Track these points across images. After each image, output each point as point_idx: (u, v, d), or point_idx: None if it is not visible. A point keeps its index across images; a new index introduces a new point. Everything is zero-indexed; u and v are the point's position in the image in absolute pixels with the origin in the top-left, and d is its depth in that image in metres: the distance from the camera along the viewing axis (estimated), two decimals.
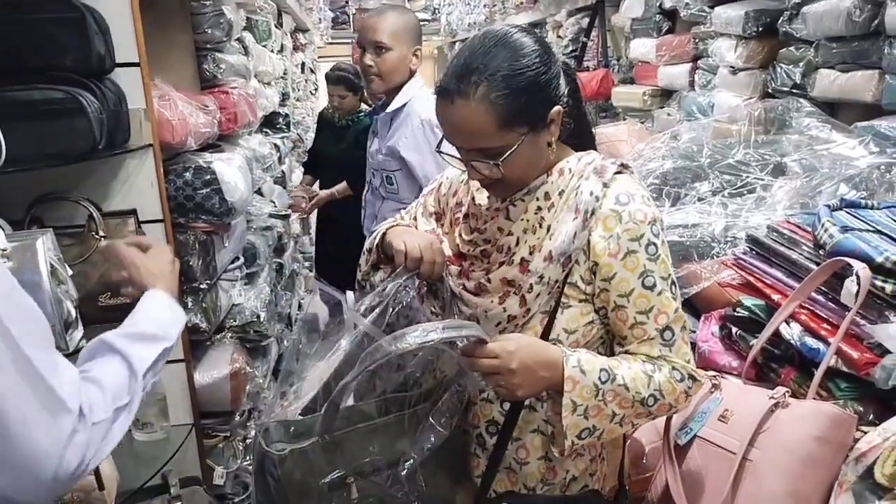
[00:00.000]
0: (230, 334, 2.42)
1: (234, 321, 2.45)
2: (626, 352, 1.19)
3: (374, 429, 1.18)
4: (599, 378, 1.12)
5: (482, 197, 1.30)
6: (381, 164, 2.41)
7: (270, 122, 3.81)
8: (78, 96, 1.61)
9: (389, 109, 2.38)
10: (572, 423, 1.12)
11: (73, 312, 1.60)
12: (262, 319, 2.53)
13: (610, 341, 1.24)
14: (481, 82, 1.10)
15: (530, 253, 1.20)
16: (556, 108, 1.16)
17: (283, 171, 3.81)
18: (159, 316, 1.20)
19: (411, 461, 1.15)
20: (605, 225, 1.15)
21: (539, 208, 1.21)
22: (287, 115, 4.16)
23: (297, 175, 4.47)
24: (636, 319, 1.16)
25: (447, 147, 1.21)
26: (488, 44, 1.13)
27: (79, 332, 1.65)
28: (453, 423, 1.19)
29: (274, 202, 3.38)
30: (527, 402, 1.22)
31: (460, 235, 1.32)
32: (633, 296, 1.15)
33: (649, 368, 1.16)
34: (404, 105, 2.36)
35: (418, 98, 2.35)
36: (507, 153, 1.13)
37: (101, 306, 1.74)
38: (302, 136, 4.94)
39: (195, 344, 2.20)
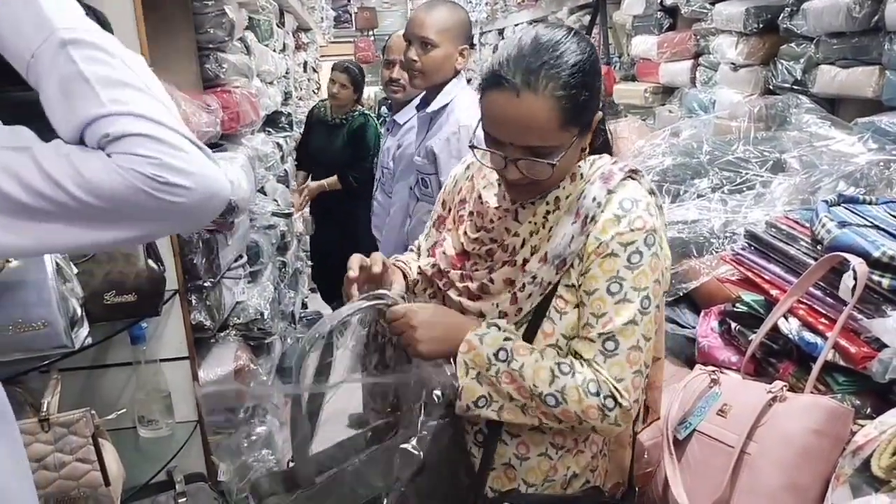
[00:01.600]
0: (234, 332, 2.44)
1: (238, 319, 2.46)
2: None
3: (356, 469, 1.16)
4: (496, 355, 1.13)
5: (490, 195, 1.29)
6: (419, 166, 2.33)
7: (273, 122, 3.83)
8: None
9: (430, 109, 2.30)
10: (467, 386, 1.14)
11: (79, 310, 1.62)
12: (265, 317, 2.55)
13: None
14: (551, 78, 1.08)
15: (531, 254, 1.20)
16: (598, 113, 1.17)
17: (285, 170, 3.83)
18: None
19: (394, 492, 1.13)
20: (603, 228, 1.14)
21: (547, 212, 1.21)
22: (289, 115, 4.17)
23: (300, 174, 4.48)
24: (588, 320, 1.14)
25: (480, 141, 1.19)
26: (553, 40, 1.10)
27: (84, 330, 1.67)
28: (428, 440, 1.15)
29: (277, 201, 3.40)
30: None
31: (465, 233, 1.31)
32: (594, 296, 1.14)
33: (561, 369, 1.12)
34: (445, 105, 2.27)
35: (460, 99, 2.26)
36: (560, 154, 1.12)
37: (107, 304, 1.75)
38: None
39: (199, 342, 2.22)
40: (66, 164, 0.71)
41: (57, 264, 1.55)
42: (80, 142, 0.74)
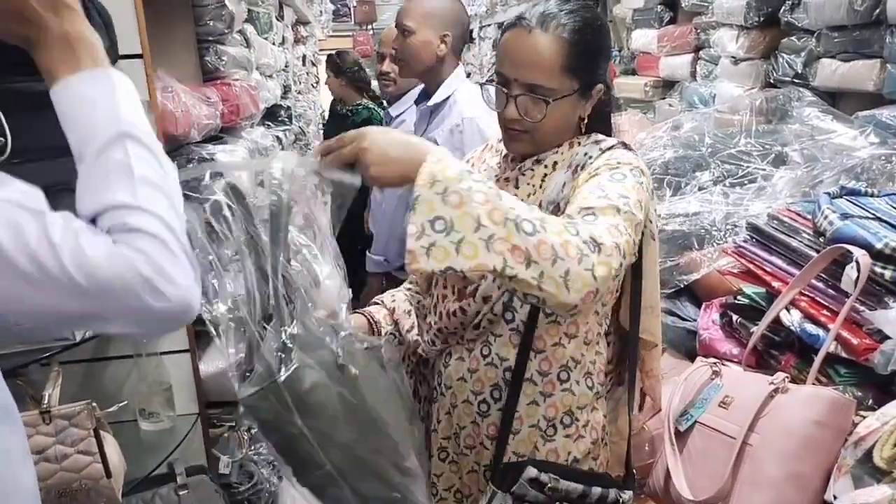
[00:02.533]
0: (234, 325, 2.43)
1: (239, 312, 2.45)
2: None
3: None
4: (469, 171, 0.98)
5: (494, 161, 1.35)
6: None
7: (272, 115, 3.82)
8: None
9: (430, 103, 2.26)
10: (426, 199, 0.94)
11: None
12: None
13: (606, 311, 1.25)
14: (562, 23, 1.19)
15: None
16: (600, 85, 1.23)
17: None
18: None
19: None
20: (588, 172, 1.17)
21: (545, 175, 1.26)
22: (289, 108, 4.16)
23: None
24: (571, 210, 1.09)
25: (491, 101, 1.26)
26: (573, 1, 1.23)
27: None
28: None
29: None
30: (527, 375, 1.23)
31: None
32: (579, 196, 1.11)
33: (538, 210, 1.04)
34: (447, 98, 2.23)
35: (461, 92, 2.22)
36: (558, 97, 1.18)
37: None
38: (304, 129, 4.95)
39: (199, 334, 2.22)
40: (72, 237, 0.73)
41: None
42: (92, 221, 0.78)
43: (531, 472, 1.17)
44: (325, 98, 5.73)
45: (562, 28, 1.19)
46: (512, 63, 1.21)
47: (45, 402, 1.49)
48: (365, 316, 1.43)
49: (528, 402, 1.25)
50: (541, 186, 1.25)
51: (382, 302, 1.48)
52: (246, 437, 2.40)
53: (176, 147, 2.13)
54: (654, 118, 3.24)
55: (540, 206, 1.20)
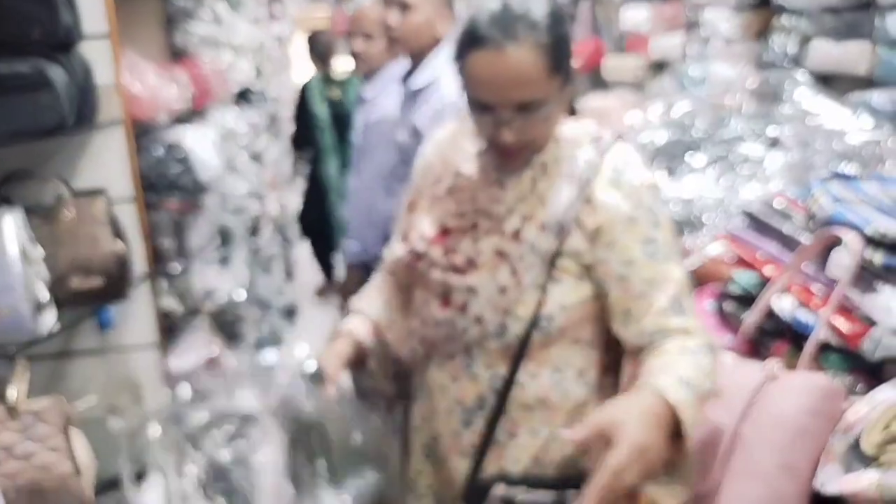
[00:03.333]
0: (205, 318, 2.45)
1: (210, 304, 2.47)
2: (635, 325, 1.20)
3: None
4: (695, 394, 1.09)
5: (470, 168, 1.31)
6: (403, 144, 2.27)
7: (245, 97, 3.82)
8: (45, 70, 1.63)
9: (414, 88, 2.26)
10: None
11: (45, 295, 1.63)
12: (238, 303, 2.56)
13: (603, 319, 1.25)
14: (529, 28, 1.13)
15: (523, 222, 1.23)
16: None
17: (258, 149, 3.82)
18: None
19: None
20: (602, 192, 1.19)
21: (534, 178, 1.24)
22: (262, 90, 4.16)
23: (273, 152, 4.48)
24: (642, 290, 1.18)
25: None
26: None
27: (50, 316, 1.68)
28: None
29: (249, 181, 3.39)
30: (518, 379, 1.24)
31: (445, 211, 1.31)
32: (637, 264, 1.18)
33: (695, 357, 1.14)
34: (431, 83, 2.22)
35: (446, 75, 2.16)
36: (550, 107, 1.16)
37: (73, 288, 1.76)
38: (278, 111, 4.94)
39: (169, 328, 2.23)
40: None
41: (21, 246, 1.56)
42: None
43: (499, 489, 1.21)
44: (298, 78, 5.70)
45: (534, 33, 1.13)
46: (491, 88, 1.15)
47: (12, 397, 1.50)
48: (350, 345, 1.36)
49: (519, 408, 1.25)
50: (532, 192, 1.24)
51: (364, 312, 1.42)
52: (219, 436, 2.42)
53: (143, 130, 2.14)
54: (644, 99, 3.28)
55: (543, 225, 1.20)
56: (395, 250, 1.38)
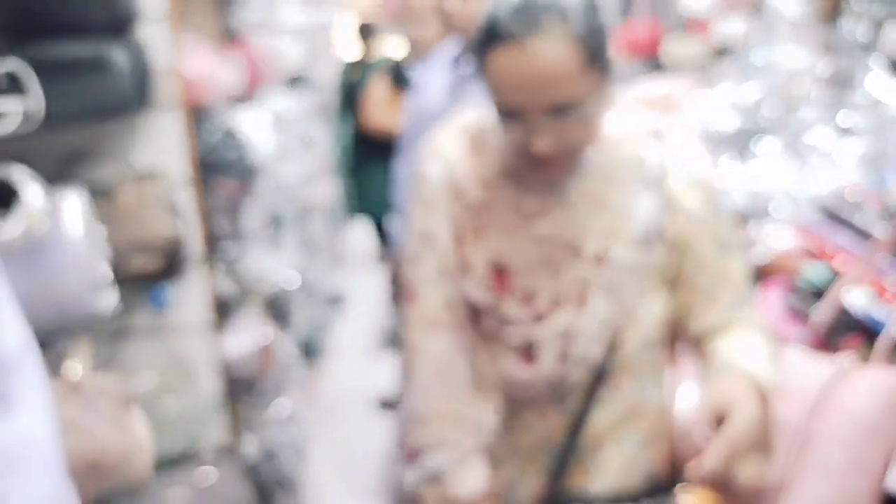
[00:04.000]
0: (258, 303, 2.50)
1: (263, 289, 2.52)
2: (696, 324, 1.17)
3: None
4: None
5: (511, 187, 1.17)
6: None
7: (295, 80, 3.86)
8: (105, 53, 1.68)
9: (468, 72, 2.21)
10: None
11: (107, 273, 1.68)
12: (289, 288, 2.61)
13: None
14: (557, 18, 0.99)
15: (605, 242, 1.13)
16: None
17: (308, 134, 3.86)
18: None
19: None
20: (680, 195, 1.14)
21: (595, 186, 1.14)
22: (312, 75, 4.21)
23: (322, 138, 4.52)
24: (708, 287, 1.15)
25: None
26: None
27: (110, 294, 1.73)
28: None
29: (300, 167, 3.44)
30: (602, 398, 1.20)
31: (497, 246, 1.17)
32: (705, 264, 1.15)
33: (762, 346, 1.13)
34: None
35: None
36: (590, 106, 1.03)
37: (130, 267, 1.81)
38: (327, 97, 4.99)
39: (222, 310, 2.28)
40: None
41: (84, 225, 1.61)
42: None
43: None
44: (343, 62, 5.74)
45: (563, 21, 0.99)
46: (518, 90, 1.02)
47: (74, 373, 1.55)
48: None
49: (603, 425, 1.21)
50: (602, 204, 1.13)
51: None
52: (267, 418, 2.47)
53: (200, 113, 2.18)
54: (708, 84, 3.23)
55: (633, 240, 1.13)
56: (440, 292, 1.21)
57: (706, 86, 3.19)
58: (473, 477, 1.18)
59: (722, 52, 3.43)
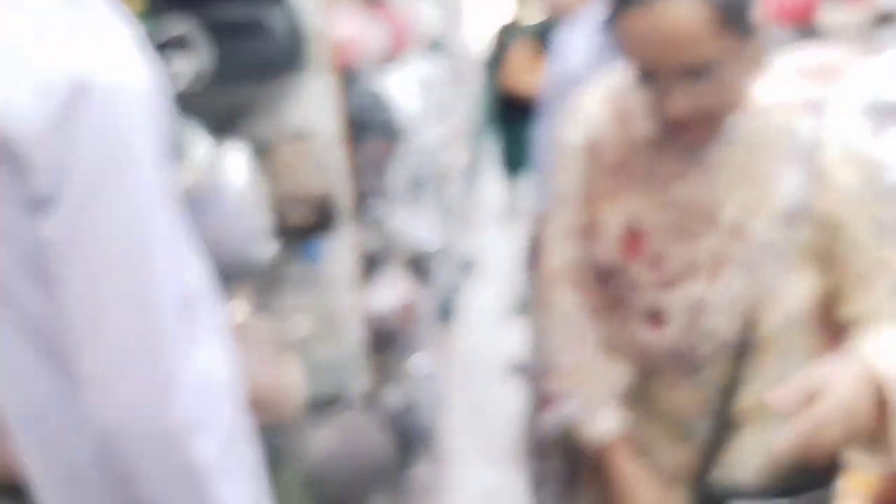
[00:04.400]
0: (400, 260, 2.58)
1: (405, 248, 2.60)
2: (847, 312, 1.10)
3: None
4: None
5: (654, 147, 1.15)
6: None
7: (435, 46, 3.92)
8: (262, 15, 1.77)
9: None
10: None
11: (267, 225, 1.79)
12: (430, 249, 2.68)
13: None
14: None
15: (744, 214, 1.09)
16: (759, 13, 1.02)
17: (446, 99, 3.92)
18: None
19: None
20: (833, 170, 1.06)
21: (739, 156, 1.09)
22: (450, 40, 4.25)
23: (458, 104, 4.57)
24: (861, 271, 1.07)
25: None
26: None
27: (268, 244, 1.84)
28: None
29: (439, 131, 3.50)
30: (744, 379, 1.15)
31: (631, 207, 1.16)
32: (860, 246, 1.07)
33: None
34: None
35: None
36: (724, 67, 0.99)
37: (287, 222, 1.92)
38: (463, 63, 5.03)
39: (368, 266, 2.37)
40: None
41: (248, 179, 1.72)
42: None
43: None
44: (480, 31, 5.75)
45: None
46: (648, 52, 1.00)
47: (237, 317, 1.67)
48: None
49: (746, 409, 1.17)
50: (746, 175, 1.08)
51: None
52: (404, 373, 2.57)
53: (348, 74, 2.26)
54: (871, 53, 3.02)
55: (776, 215, 1.07)
56: (568, 251, 1.25)
57: (869, 54, 2.98)
58: (608, 421, 1.23)
59: (886, 18, 3.19)
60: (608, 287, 1.21)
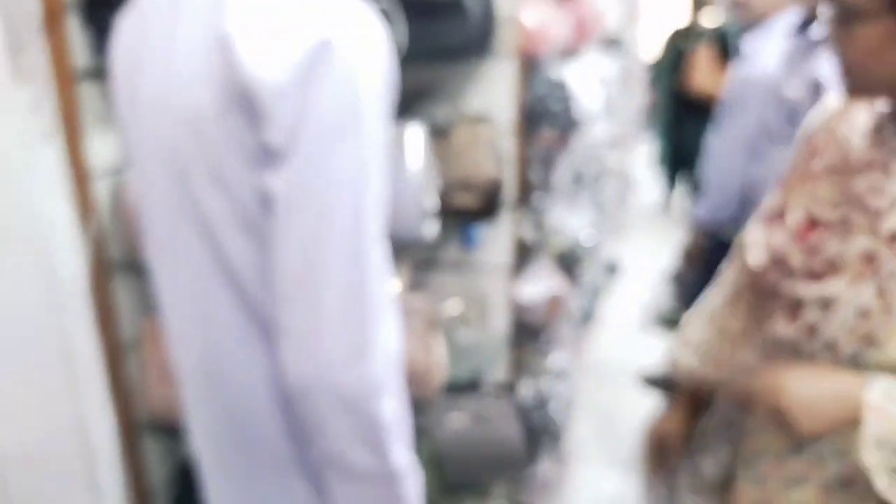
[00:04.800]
0: (553, 254, 2.55)
1: (560, 242, 2.57)
2: None
3: None
4: None
5: (857, 141, 1.08)
6: (792, 101, 2.21)
7: (612, 44, 3.84)
8: None
9: (816, 37, 2.13)
10: (880, 462, 0.93)
11: (435, 205, 1.81)
12: (585, 246, 2.64)
13: None
14: None
15: None
16: None
17: (614, 100, 3.83)
18: None
19: None
20: None
21: None
22: (626, 39, 4.15)
23: (625, 106, 4.46)
24: None
25: None
26: None
27: (434, 224, 1.87)
28: None
29: (606, 130, 3.43)
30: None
31: (817, 196, 1.10)
32: None
33: None
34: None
35: None
36: (863, 16, 0.93)
37: (452, 202, 1.94)
38: (633, 63, 4.91)
39: (521, 256, 2.37)
40: None
41: (423, 158, 1.75)
42: None
43: None
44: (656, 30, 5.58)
45: None
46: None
47: (395, 289, 1.71)
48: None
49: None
50: None
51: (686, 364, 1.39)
52: (545, 365, 2.55)
53: (530, 63, 2.25)
54: None
55: None
56: (756, 252, 1.18)
57: None
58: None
59: None
60: (768, 276, 1.13)
